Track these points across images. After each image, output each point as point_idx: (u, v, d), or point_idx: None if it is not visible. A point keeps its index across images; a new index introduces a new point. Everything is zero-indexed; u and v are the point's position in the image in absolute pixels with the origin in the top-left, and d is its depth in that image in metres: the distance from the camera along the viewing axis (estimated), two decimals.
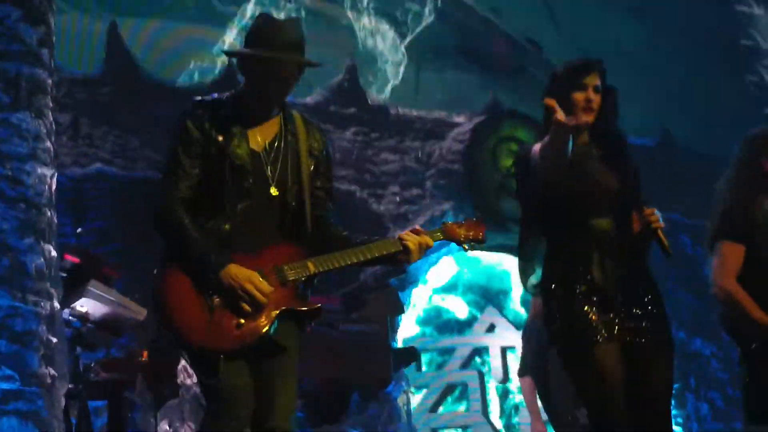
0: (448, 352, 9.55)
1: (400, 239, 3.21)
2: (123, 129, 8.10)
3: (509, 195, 8.76)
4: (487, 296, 9.75)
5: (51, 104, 5.67)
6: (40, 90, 5.56)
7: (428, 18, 11.79)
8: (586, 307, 3.35)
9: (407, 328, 9.27)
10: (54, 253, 5.47)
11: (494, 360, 9.42)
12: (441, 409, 9.31)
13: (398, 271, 8.39)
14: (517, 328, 9.01)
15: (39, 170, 5.43)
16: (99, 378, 5.28)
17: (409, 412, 8.09)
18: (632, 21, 11.71)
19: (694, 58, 11.22)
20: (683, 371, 9.24)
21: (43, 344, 5.19)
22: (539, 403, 6.12)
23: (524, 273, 3.64)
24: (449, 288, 9.73)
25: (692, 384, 9.60)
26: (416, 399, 9.07)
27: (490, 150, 9.22)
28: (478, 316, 9.67)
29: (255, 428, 3.10)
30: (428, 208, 9.08)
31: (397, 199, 9.12)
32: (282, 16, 7.83)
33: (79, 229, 7.10)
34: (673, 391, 3.50)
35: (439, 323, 9.69)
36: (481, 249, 8.50)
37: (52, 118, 5.65)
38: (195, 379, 5.32)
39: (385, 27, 11.76)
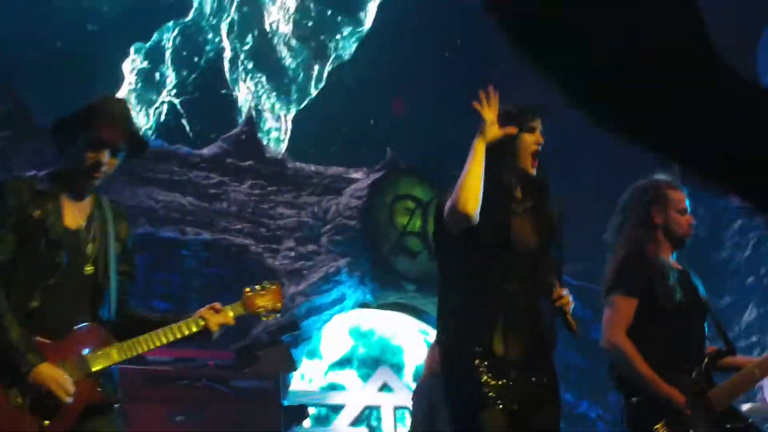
0: (338, 409, 9.43)
1: (201, 318, 3.34)
2: None
3: (405, 253, 8.79)
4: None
5: None
6: None
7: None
8: (481, 369, 3.32)
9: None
10: None
11: (386, 419, 9.33)
12: None
13: (291, 327, 8.30)
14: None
15: None
16: None
17: None
18: None
19: None
20: None
21: None
22: None
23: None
24: (344, 362, 9.65)
25: None
26: None
27: (387, 207, 9.20)
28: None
29: None
30: (323, 264, 8.99)
31: (293, 254, 9.02)
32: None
33: None
34: None
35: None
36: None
37: None
38: None
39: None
